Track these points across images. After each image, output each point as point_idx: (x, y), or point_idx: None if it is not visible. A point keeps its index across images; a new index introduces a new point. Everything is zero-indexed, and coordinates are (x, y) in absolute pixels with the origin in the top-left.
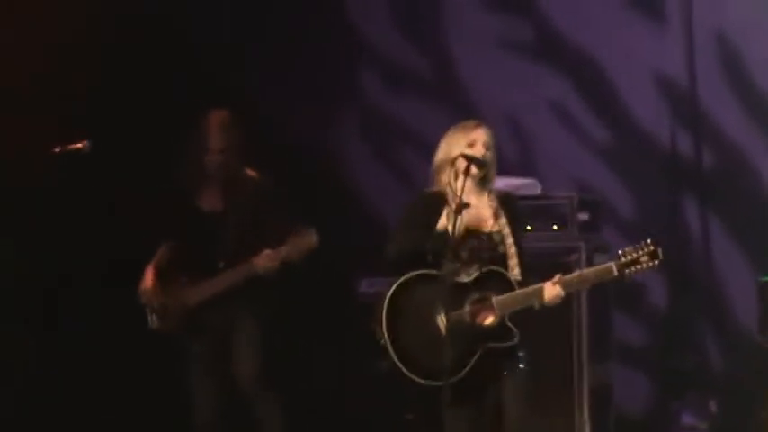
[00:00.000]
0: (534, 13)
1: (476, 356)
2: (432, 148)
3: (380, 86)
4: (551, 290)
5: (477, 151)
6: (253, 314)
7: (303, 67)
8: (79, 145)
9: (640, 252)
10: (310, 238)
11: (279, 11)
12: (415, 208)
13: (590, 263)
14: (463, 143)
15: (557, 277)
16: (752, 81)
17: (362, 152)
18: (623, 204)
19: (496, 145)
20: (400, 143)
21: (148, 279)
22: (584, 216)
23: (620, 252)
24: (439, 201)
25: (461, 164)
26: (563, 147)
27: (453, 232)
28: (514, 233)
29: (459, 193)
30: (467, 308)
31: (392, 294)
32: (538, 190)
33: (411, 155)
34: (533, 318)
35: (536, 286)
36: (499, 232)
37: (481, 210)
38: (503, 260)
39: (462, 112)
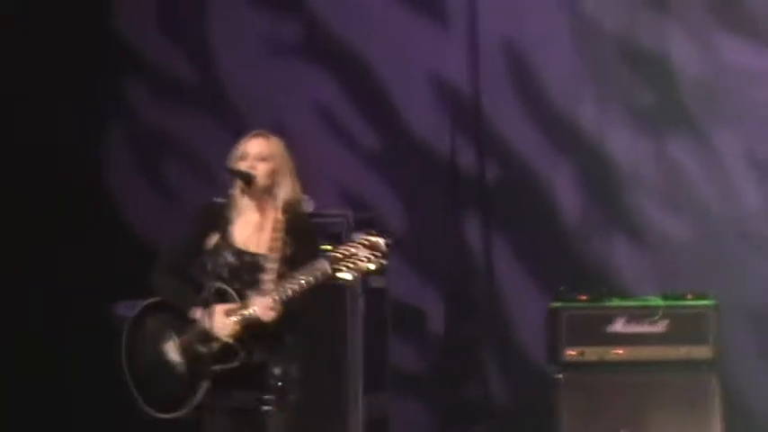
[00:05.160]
0: (304, 12)
1: (205, 382)
2: (198, 158)
3: (146, 94)
4: (261, 301)
5: (248, 164)
6: None
7: (66, 74)
8: None
9: (359, 245)
10: None
11: (38, 14)
12: (191, 222)
13: (365, 285)
14: (237, 156)
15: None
16: (540, 91)
17: (126, 164)
18: (400, 222)
19: (285, 155)
20: (166, 154)
21: None
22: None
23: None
24: (216, 214)
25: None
26: (335, 157)
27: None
28: (293, 251)
29: (234, 208)
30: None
31: (136, 320)
32: (311, 207)
33: (177, 166)
34: (303, 344)
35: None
36: (274, 255)
37: (255, 226)
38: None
39: (229, 119)
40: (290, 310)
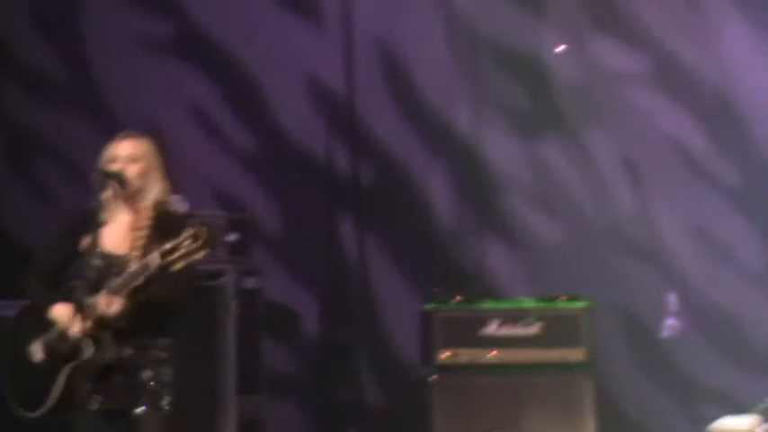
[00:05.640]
0: (178, 11)
1: (62, 380)
2: (71, 158)
3: (18, 93)
4: (104, 296)
5: (119, 166)
6: None
7: None
8: None
9: (183, 237)
10: None
11: None
12: (62, 227)
13: (239, 287)
14: (107, 158)
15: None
16: (414, 92)
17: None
18: (274, 223)
19: (156, 156)
20: (39, 154)
21: None
22: (232, 237)
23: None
24: (88, 218)
25: (98, 180)
26: (209, 158)
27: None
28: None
29: (106, 211)
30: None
31: (14, 320)
32: (185, 207)
33: (50, 166)
34: (175, 345)
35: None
36: (136, 254)
37: (126, 228)
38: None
39: (103, 118)
40: (142, 304)
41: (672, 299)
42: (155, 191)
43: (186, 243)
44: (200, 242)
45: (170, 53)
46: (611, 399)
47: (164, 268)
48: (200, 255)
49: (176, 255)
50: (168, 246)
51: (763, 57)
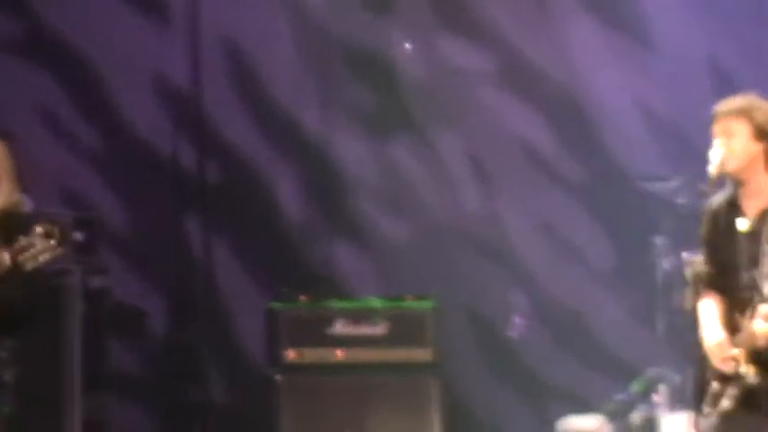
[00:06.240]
0: (23, 10)
1: None
2: None
3: None
4: None
5: None
6: None
7: None
8: None
9: (34, 235)
10: None
11: None
12: None
13: (85, 286)
14: None
15: None
16: (262, 92)
17: None
18: (121, 222)
19: (4, 157)
20: None
21: None
22: (78, 236)
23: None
24: None
25: None
26: (55, 156)
27: None
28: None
29: None
30: None
31: None
32: (29, 206)
33: None
34: (17, 347)
35: None
36: None
37: None
38: None
39: None
40: None
41: (519, 298)
42: (3, 192)
43: (38, 242)
44: (52, 241)
45: (16, 53)
46: (458, 398)
47: (14, 268)
48: (53, 253)
49: (28, 254)
50: (19, 245)
51: (609, 55)
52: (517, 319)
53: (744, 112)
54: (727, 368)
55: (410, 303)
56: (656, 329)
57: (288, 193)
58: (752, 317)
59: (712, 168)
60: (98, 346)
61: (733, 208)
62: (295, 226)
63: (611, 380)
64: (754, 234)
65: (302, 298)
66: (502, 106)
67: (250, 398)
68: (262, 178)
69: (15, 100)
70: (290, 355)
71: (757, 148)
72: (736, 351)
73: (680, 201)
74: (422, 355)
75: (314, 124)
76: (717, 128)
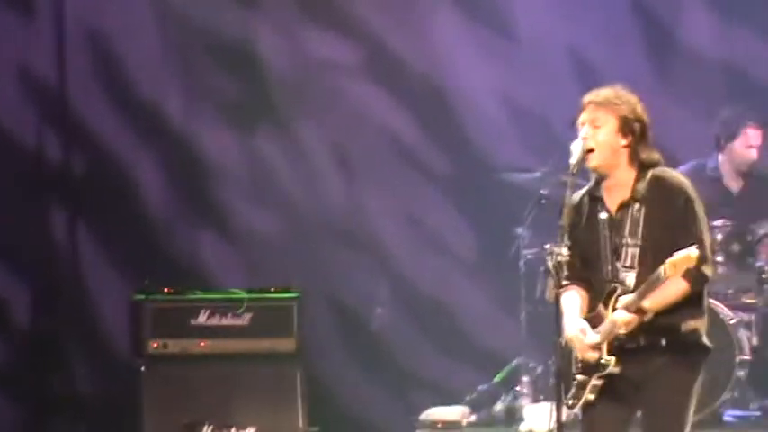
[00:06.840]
0: None
1: None
2: None
3: None
4: None
5: None
6: None
7: None
8: None
9: None
10: None
11: None
12: None
13: None
14: None
15: None
16: (125, 83)
17: None
18: None
19: None
20: None
21: None
22: None
23: None
24: None
25: None
26: None
27: None
28: None
29: None
30: None
31: None
32: None
33: None
34: None
35: None
36: None
37: None
38: None
39: None
40: None
41: (383, 288)
42: None
43: None
44: None
45: None
46: (323, 388)
47: None
48: None
49: None
50: None
51: (473, 46)
52: (381, 310)
53: (610, 104)
54: (590, 358)
55: (274, 294)
56: (520, 320)
57: (152, 185)
58: (613, 307)
59: (573, 159)
60: None
61: (595, 200)
62: (160, 217)
63: (475, 370)
64: (615, 226)
65: (166, 289)
66: (367, 99)
67: (115, 388)
68: (127, 170)
69: None
70: (154, 345)
71: (622, 141)
72: (597, 340)
73: (543, 192)
74: (285, 345)
75: (178, 116)
76: (583, 117)
